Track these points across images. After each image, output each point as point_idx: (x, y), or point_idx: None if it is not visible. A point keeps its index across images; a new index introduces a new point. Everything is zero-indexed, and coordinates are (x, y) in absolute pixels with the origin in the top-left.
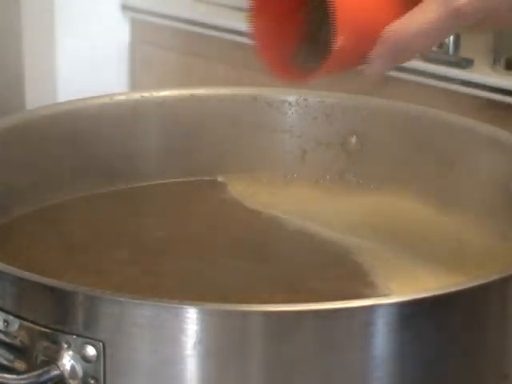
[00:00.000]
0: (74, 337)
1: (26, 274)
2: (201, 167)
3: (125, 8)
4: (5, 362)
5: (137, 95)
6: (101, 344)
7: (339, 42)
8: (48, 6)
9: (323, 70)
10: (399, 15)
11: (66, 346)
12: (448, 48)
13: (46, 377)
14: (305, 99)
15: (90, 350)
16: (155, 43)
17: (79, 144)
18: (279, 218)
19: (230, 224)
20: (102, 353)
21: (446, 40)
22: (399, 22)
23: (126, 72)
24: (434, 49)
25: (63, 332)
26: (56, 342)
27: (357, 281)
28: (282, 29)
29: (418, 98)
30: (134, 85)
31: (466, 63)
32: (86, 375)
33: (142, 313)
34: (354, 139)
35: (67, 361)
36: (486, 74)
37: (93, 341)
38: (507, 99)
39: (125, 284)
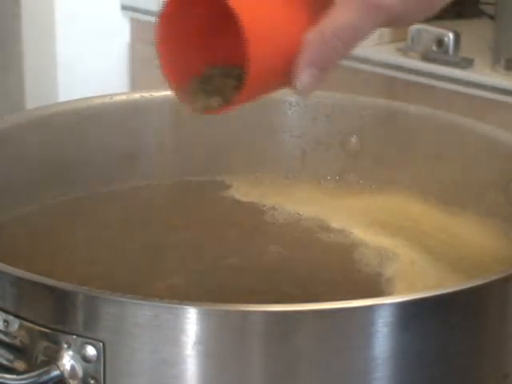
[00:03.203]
0: (74, 337)
1: (26, 274)
2: (200, 167)
3: (125, 8)
4: (5, 362)
5: (137, 95)
6: (101, 344)
7: (254, 61)
8: (48, 6)
9: (244, 95)
10: (313, 23)
11: (66, 346)
12: (448, 48)
13: (45, 377)
14: (305, 99)
15: (90, 350)
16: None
17: (79, 144)
18: (281, 218)
19: (232, 224)
20: (102, 353)
21: (446, 40)
22: (318, 26)
23: (126, 72)
24: (434, 49)
25: (63, 332)
26: (56, 342)
27: (358, 278)
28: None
29: (419, 98)
30: (134, 85)
31: (465, 63)
32: (86, 375)
33: (142, 313)
34: (354, 139)
35: (67, 361)
36: (486, 74)
37: (93, 341)
38: (507, 99)
39: (125, 283)
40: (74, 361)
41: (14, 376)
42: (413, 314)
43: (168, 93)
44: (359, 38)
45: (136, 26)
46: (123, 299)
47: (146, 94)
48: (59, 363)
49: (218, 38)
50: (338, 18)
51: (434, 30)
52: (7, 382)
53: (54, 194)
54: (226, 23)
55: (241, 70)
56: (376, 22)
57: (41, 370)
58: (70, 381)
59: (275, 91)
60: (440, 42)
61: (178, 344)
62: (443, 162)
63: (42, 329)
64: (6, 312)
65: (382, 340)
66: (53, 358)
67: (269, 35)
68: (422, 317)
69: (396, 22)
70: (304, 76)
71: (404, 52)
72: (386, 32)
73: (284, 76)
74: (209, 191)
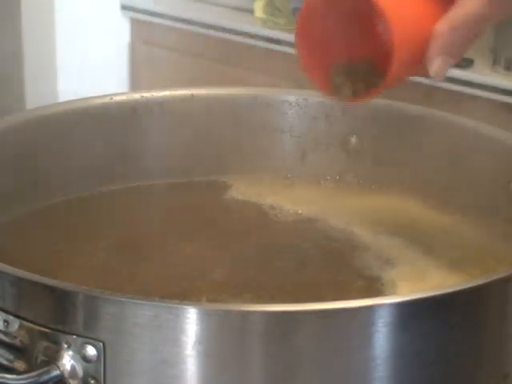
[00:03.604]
0: (74, 337)
1: (26, 274)
2: (200, 167)
3: (125, 8)
4: (5, 362)
5: (137, 95)
6: (101, 344)
7: (398, 51)
8: (48, 7)
9: (387, 82)
10: (442, 14)
11: (66, 346)
12: None
13: (45, 377)
14: (305, 99)
15: (90, 350)
16: (155, 43)
17: (79, 144)
18: (281, 218)
19: (233, 224)
20: (102, 353)
21: None
22: (448, 16)
23: (126, 72)
24: None
25: (63, 332)
26: (56, 342)
27: (358, 278)
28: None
29: (418, 98)
30: (134, 85)
31: (465, 63)
32: (86, 375)
33: (142, 313)
34: (354, 139)
35: (67, 361)
36: (485, 74)
37: (93, 341)
38: (507, 99)
39: (125, 283)
40: (74, 361)
41: (14, 376)
42: (413, 314)
43: (168, 93)
44: (487, 25)
45: (136, 25)
46: (123, 299)
47: (146, 94)
48: (59, 363)
49: (350, 34)
50: (467, 8)
51: None
52: (7, 381)
53: (53, 194)
54: (358, 20)
55: (366, 64)
56: (503, 11)
57: (41, 370)
58: (70, 381)
59: (409, 77)
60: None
61: (178, 344)
62: (443, 162)
63: (42, 329)
64: (6, 312)
65: (382, 340)
66: (53, 358)
67: (408, 27)
68: (422, 317)
69: None
70: (436, 63)
71: None
72: None
73: (418, 64)
74: (209, 191)
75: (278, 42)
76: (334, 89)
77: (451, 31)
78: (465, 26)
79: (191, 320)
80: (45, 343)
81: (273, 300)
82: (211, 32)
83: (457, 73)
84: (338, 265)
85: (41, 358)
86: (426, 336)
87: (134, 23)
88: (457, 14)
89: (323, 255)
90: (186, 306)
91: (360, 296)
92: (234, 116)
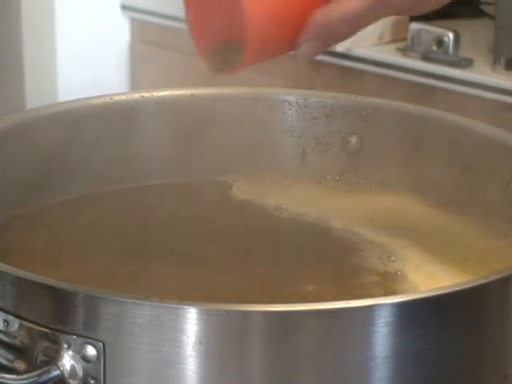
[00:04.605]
0: (74, 337)
1: (26, 274)
2: (200, 167)
3: (124, 8)
4: (5, 362)
5: (137, 95)
6: (101, 344)
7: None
8: (48, 7)
9: (245, 60)
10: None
11: (65, 345)
12: (448, 48)
13: (45, 377)
14: (305, 99)
15: (90, 350)
16: (155, 43)
17: (79, 144)
18: (283, 218)
19: (234, 224)
20: (102, 353)
21: (446, 40)
22: (325, 9)
23: (126, 72)
24: (434, 49)
25: (63, 332)
26: (56, 342)
27: (361, 278)
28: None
29: (419, 98)
30: (134, 85)
31: (465, 63)
32: (86, 375)
33: (142, 313)
34: (354, 139)
35: (67, 361)
36: (486, 74)
37: (93, 341)
38: (507, 99)
39: (126, 284)
40: (74, 361)
41: (14, 376)
42: (413, 314)
43: (168, 93)
44: (364, 25)
45: (136, 25)
46: (123, 299)
47: (146, 94)
48: (59, 363)
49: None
50: (348, 4)
51: (434, 29)
52: (7, 381)
53: (54, 194)
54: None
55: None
56: (382, 14)
57: (41, 370)
58: (70, 381)
59: (280, 55)
60: (440, 42)
61: (177, 344)
62: (443, 162)
63: (42, 329)
64: (6, 312)
65: (382, 340)
66: (53, 358)
67: (271, 12)
68: (422, 317)
69: (401, 14)
70: (305, 46)
71: (404, 52)
72: (386, 32)
73: (289, 43)
74: (209, 191)
75: None
76: (211, 63)
77: (327, 22)
78: (342, 22)
79: (191, 320)
80: (45, 343)
81: (276, 299)
82: None
83: (457, 73)
84: (341, 265)
85: (41, 357)
86: (426, 336)
87: (134, 23)
88: (338, 7)
89: (325, 255)
90: (186, 306)
91: (363, 296)
92: (234, 116)
